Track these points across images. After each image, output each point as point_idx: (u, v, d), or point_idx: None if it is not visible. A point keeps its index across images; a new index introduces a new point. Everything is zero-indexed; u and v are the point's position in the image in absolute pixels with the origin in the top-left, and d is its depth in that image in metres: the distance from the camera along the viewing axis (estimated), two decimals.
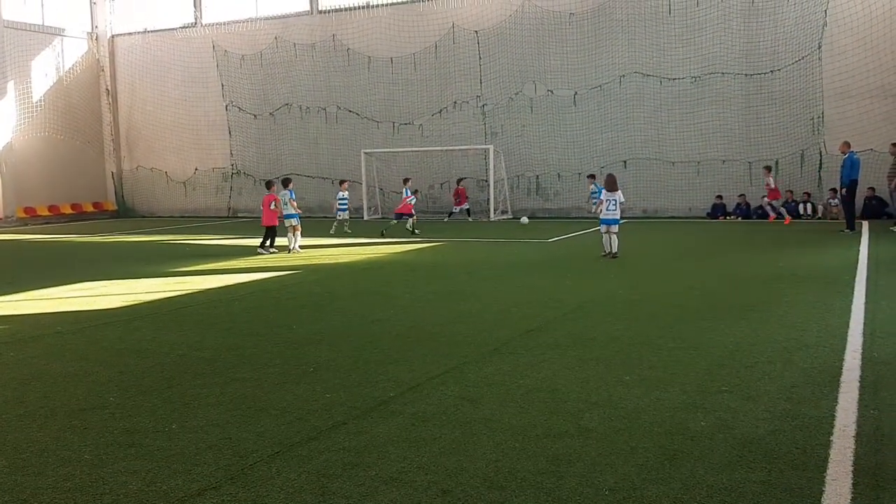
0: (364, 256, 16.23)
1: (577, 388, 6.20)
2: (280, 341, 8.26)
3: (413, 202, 20.73)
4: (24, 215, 30.04)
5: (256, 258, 16.10)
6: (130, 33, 33.15)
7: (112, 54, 33.58)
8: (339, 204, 21.90)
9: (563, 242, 18.20)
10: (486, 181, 25.96)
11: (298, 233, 17.08)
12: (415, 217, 20.65)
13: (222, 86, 31.07)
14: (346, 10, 28.83)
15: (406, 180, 21.69)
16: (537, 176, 26.35)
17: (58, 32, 31.81)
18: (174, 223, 28.33)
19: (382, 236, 19.77)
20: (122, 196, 34.01)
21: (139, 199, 33.86)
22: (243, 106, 30.83)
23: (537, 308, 9.78)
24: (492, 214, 25.50)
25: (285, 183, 17.40)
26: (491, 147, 25.65)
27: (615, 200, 14.46)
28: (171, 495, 4.29)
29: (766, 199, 22.35)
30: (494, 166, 25.64)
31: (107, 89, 33.68)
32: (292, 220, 16.89)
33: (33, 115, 30.84)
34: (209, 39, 31.11)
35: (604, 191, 14.75)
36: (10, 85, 29.86)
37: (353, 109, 28.74)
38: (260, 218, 17.54)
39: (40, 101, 31.14)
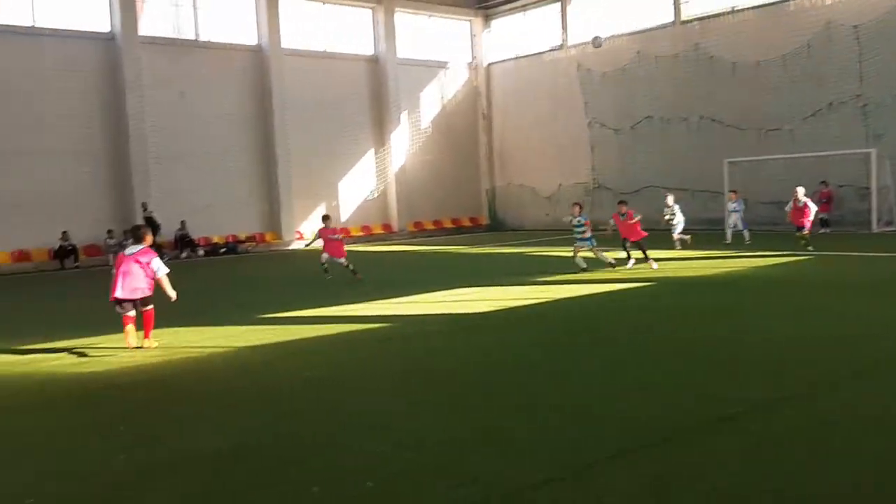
0: (718, 270, 15.74)
1: None
2: (630, 349, 8.55)
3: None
4: (413, 229, 34.13)
5: (618, 270, 16.29)
6: (504, 60, 36.00)
7: (488, 80, 36.75)
8: (669, 217, 20.97)
9: None
10: (868, 189, 23.44)
11: (602, 252, 16.70)
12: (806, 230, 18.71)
13: (585, 103, 32.20)
14: (710, 17, 28.17)
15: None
16: None
17: (442, 65, 35.72)
18: (540, 235, 29.98)
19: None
20: (495, 210, 36.93)
21: (509, 213, 36.45)
22: (605, 121, 31.63)
23: None
24: (874, 225, 22.96)
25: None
26: (873, 151, 23.12)
27: None
28: (513, 482, 4.80)
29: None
30: (878, 173, 23.06)
31: (483, 113, 36.90)
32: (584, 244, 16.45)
33: (421, 140, 34.99)
34: (574, 60, 32.49)
35: None
36: (404, 115, 34.19)
37: (716, 118, 27.89)
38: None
39: (428, 127, 35.21)
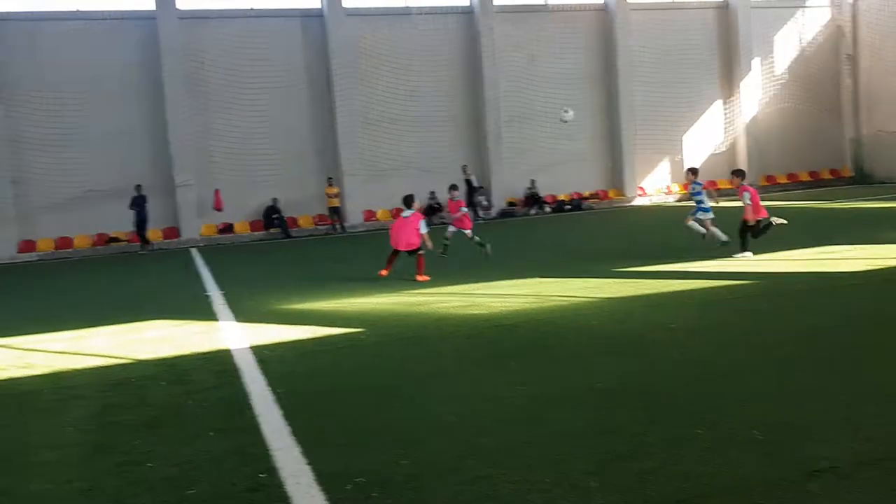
0: None
1: None
2: None
3: None
4: (764, 183, 32.20)
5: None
6: None
7: (854, 19, 33.04)
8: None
9: None
10: None
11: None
12: None
13: None
14: None
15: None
16: None
17: (800, 5, 32.88)
18: None
19: None
20: (861, 161, 33.37)
21: (878, 164, 32.69)
22: None
23: None
24: None
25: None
26: None
27: None
28: (844, 461, 4.53)
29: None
30: None
31: (847, 55, 33.33)
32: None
33: (775, 88, 32.69)
34: None
35: None
36: (756, 61, 32.17)
37: None
38: None
39: (783, 73, 32.78)
